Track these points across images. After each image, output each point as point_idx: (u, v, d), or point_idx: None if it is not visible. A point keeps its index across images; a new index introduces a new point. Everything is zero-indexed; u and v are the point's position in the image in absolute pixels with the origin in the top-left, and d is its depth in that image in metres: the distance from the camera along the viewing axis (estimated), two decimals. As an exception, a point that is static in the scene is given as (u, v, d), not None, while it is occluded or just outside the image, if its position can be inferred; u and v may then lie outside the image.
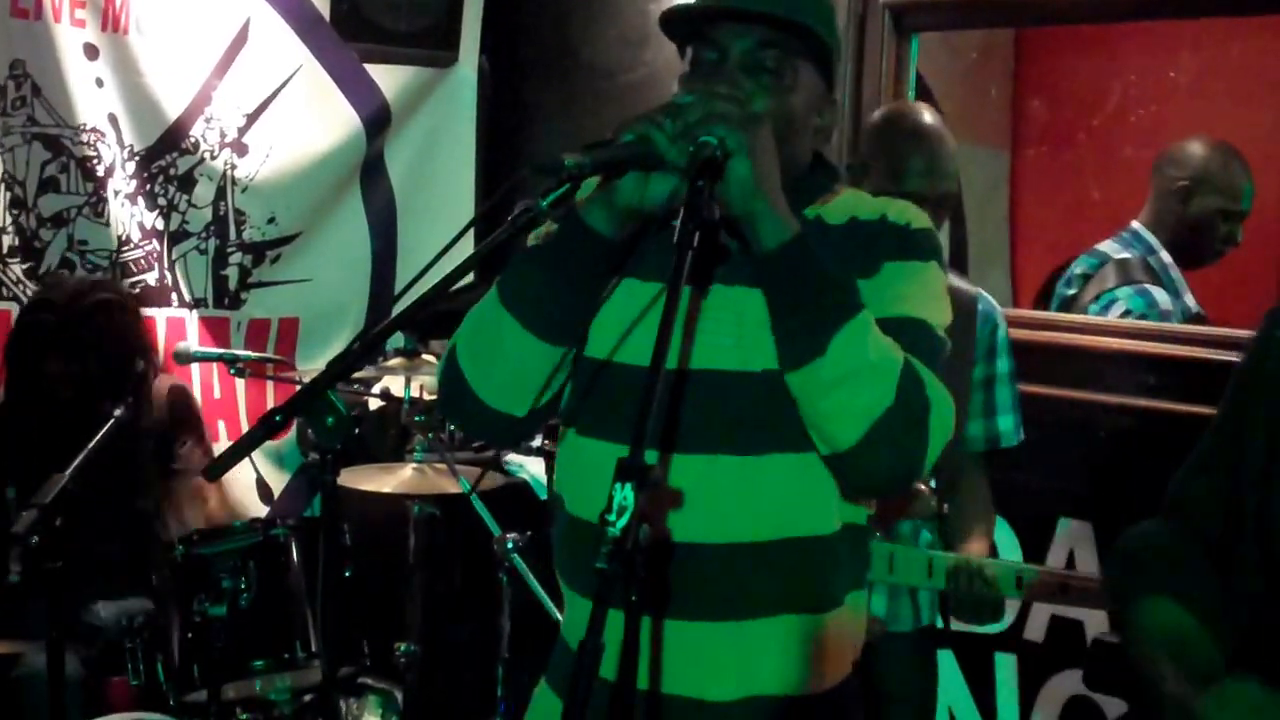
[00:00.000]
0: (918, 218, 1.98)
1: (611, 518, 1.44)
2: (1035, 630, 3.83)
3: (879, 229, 1.96)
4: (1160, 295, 3.82)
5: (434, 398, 4.01)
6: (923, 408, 1.79)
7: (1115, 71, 4.97)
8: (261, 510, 4.47)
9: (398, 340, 4.04)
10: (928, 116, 3.08)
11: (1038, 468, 3.46)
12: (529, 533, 3.73)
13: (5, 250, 4.16)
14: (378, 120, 4.86)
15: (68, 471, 3.06)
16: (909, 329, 1.86)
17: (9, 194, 4.14)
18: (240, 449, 1.79)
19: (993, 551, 3.16)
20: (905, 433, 1.79)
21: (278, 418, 1.76)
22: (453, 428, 4.23)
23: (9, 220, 4.15)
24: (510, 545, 3.66)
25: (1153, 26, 4.56)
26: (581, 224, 1.85)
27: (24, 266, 4.19)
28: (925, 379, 1.81)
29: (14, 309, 4.16)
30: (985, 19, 4.10)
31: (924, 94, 4.35)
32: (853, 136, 4.01)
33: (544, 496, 4.13)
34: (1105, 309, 3.84)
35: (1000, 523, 3.77)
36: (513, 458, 4.17)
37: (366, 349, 1.82)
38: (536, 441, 4.04)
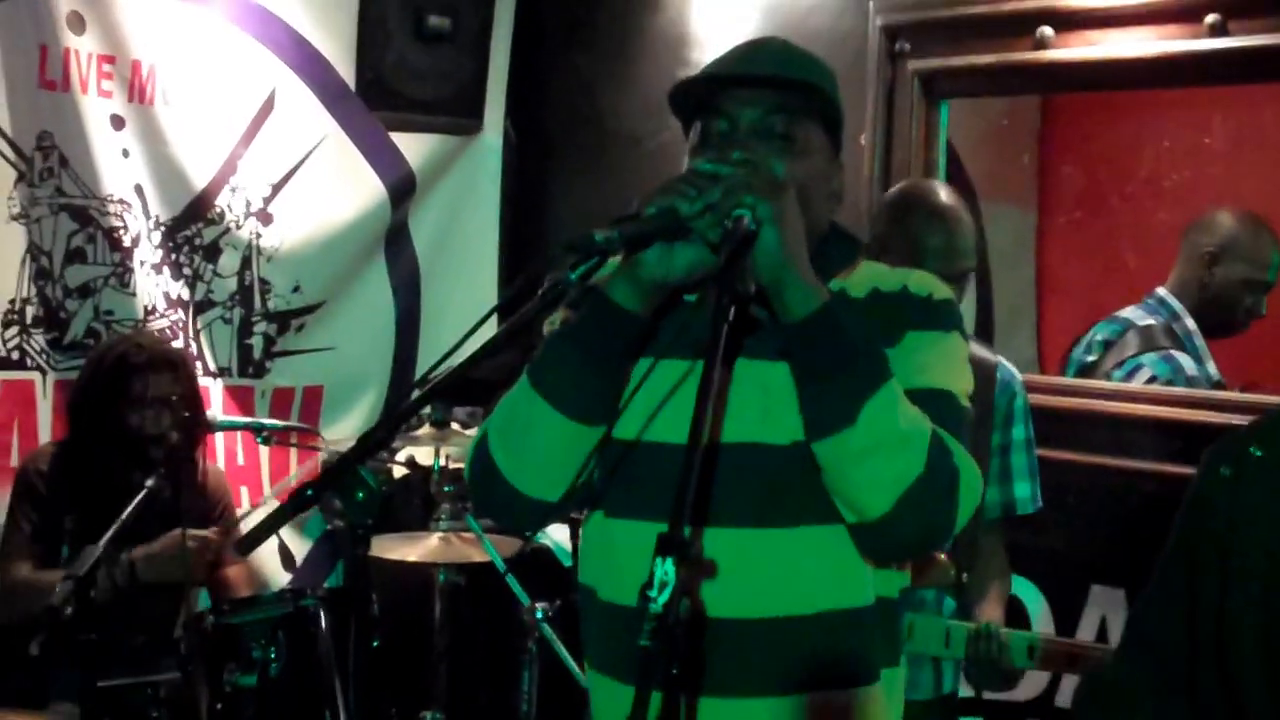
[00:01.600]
0: (939, 289, 2.00)
1: (653, 593, 1.42)
2: (1066, 697, 3.79)
3: (901, 300, 1.97)
4: (1185, 361, 3.81)
5: (459, 466, 4.01)
6: (951, 476, 1.81)
7: (1144, 136, 4.98)
8: (284, 577, 4.46)
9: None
10: (944, 196, 3.10)
11: (1070, 534, 3.43)
12: (558, 601, 3.72)
13: (30, 320, 4.17)
14: (403, 188, 4.88)
15: (101, 542, 3.07)
16: (934, 399, 1.88)
17: (35, 264, 4.17)
18: (271, 524, 1.79)
19: (1008, 616, 3.15)
20: (935, 501, 1.80)
21: (309, 493, 1.76)
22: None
23: (34, 290, 4.17)
24: (540, 614, 3.65)
25: (1184, 92, 4.57)
26: (608, 302, 1.85)
27: (49, 336, 4.21)
28: (952, 448, 1.82)
29: (38, 378, 4.19)
30: (1016, 86, 4.11)
31: (949, 154, 4.36)
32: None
33: (568, 563, 4.12)
34: (1130, 375, 3.84)
35: (1031, 588, 3.75)
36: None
37: (395, 424, 1.82)
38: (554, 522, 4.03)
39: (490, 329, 1.82)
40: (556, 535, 4.25)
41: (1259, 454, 1.57)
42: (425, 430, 3.93)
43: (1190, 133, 4.87)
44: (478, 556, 3.84)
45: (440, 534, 3.94)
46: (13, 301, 4.13)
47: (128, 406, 3.69)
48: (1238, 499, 1.56)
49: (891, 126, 3.97)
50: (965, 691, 3.11)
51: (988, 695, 3.10)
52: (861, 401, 1.76)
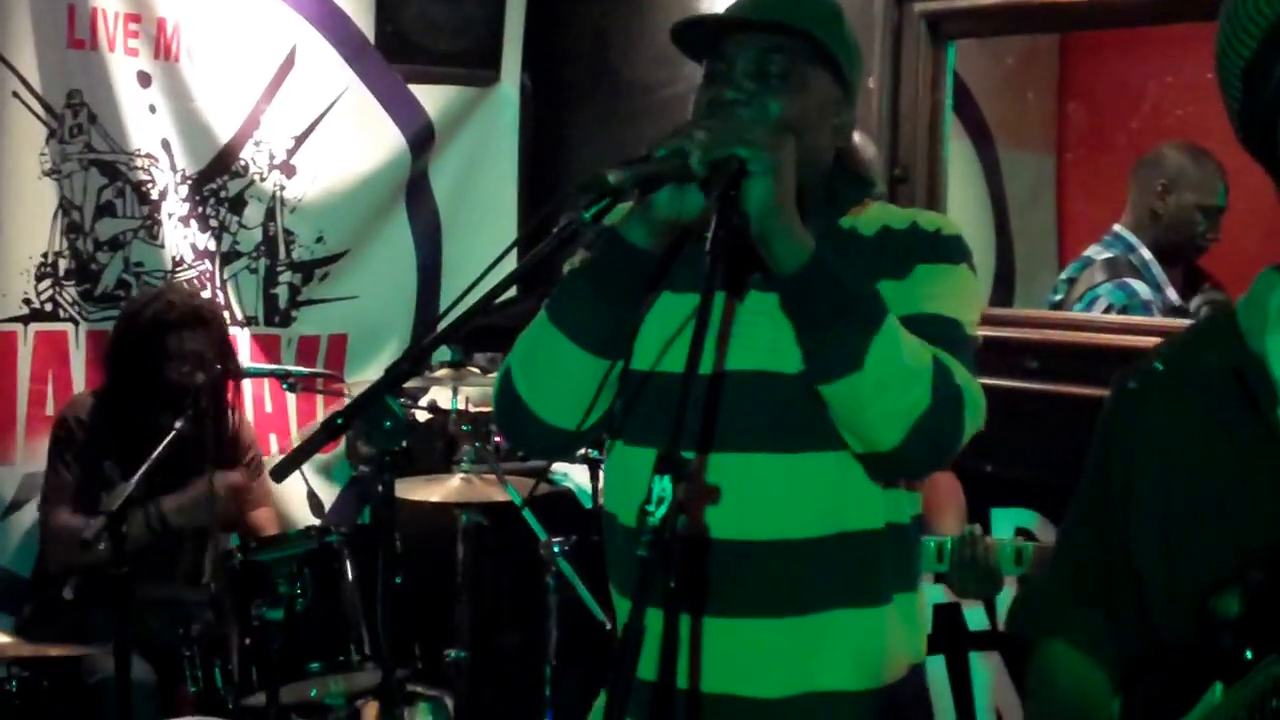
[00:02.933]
0: (948, 225, 2.05)
1: (651, 508, 1.52)
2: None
3: (910, 235, 2.02)
4: (1140, 287, 3.99)
5: (480, 409, 4.11)
6: (956, 399, 1.86)
7: (1158, 74, 4.99)
8: (312, 522, 4.56)
9: (444, 353, 4.12)
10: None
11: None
12: (574, 537, 3.81)
13: (62, 273, 4.28)
14: (422, 139, 4.94)
15: (132, 480, 3.18)
16: (939, 324, 1.93)
17: (66, 219, 4.26)
18: (303, 451, 1.89)
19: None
20: (943, 426, 1.86)
21: (339, 421, 1.86)
22: (498, 439, 4.31)
23: (66, 244, 4.27)
24: (556, 549, 3.74)
25: (1200, 28, 4.56)
26: (622, 240, 1.91)
27: (80, 288, 4.32)
28: (953, 369, 1.87)
29: (71, 329, 4.30)
30: (1020, 25, 4.14)
31: (966, 99, 4.41)
32: (890, 144, 4.05)
33: (588, 505, 4.20)
34: (1089, 305, 4.01)
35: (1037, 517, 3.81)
36: (557, 466, 4.25)
37: (421, 355, 1.92)
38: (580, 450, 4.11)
39: (511, 263, 1.89)
40: (577, 477, 4.33)
41: (1160, 367, 1.64)
42: (445, 373, 4.01)
43: (1206, 70, 4.88)
44: (499, 496, 3.92)
45: (462, 475, 4.02)
46: (45, 255, 4.23)
47: (162, 361, 3.82)
48: (1141, 410, 1.64)
49: (899, 69, 3.99)
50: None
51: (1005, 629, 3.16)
52: (866, 344, 1.81)
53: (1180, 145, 4.17)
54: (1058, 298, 4.14)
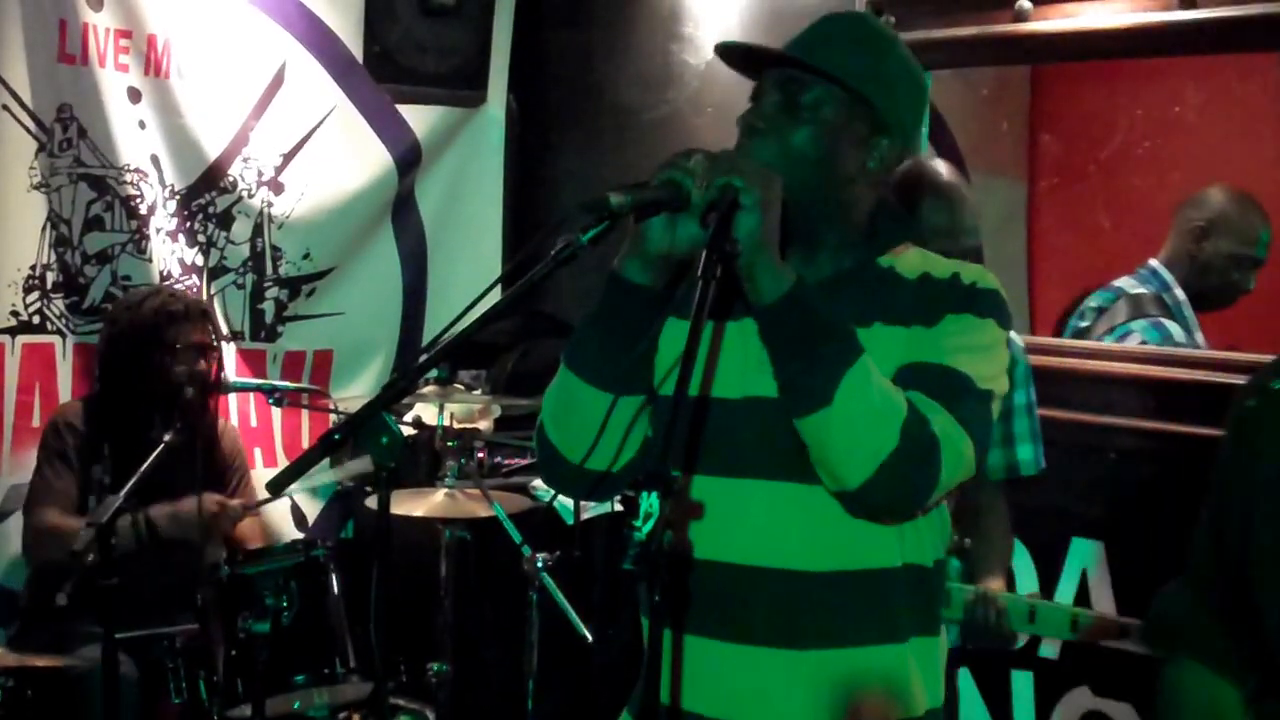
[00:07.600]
0: (985, 279, 2.05)
1: (637, 523, 1.57)
2: (1050, 648, 3.91)
3: (948, 285, 2.03)
4: (1174, 328, 3.88)
5: (464, 425, 4.15)
6: (929, 445, 1.88)
7: (1127, 106, 5.07)
8: (296, 536, 4.58)
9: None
10: (946, 174, 3.14)
11: (1051, 489, 3.54)
12: (558, 553, 3.85)
13: (50, 285, 4.30)
14: (409, 159, 4.99)
15: (122, 492, 3.20)
16: (944, 375, 1.95)
17: (55, 232, 4.29)
18: (301, 466, 1.93)
19: (1010, 579, 3.23)
20: (910, 471, 1.88)
21: (336, 436, 1.90)
22: (482, 455, 4.35)
23: (54, 257, 4.30)
24: (540, 564, 3.78)
25: (1171, 61, 4.64)
26: (621, 279, 1.96)
27: (68, 301, 4.34)
28: (929, 416, 1.88)
29: (58, 342, 4.33)
30: (996, 57, 4.21)
31: (940, 127, 4.46)
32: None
33: (570, 521, 4.24)
34: (1120, 340, 3.91)
35: (1016, 544, 3.87)
36: (540, 483, 4.29)
37: (416, 374, 1.97)
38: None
39: (495, 294, 1.94)
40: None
41: (1278, 386, 1.69)
42: (430, 389, 4.04)
43: (1180, 101, 4.96)
44: (483, 512, 3.95)
45: (446, 490, 4.05)
46: (34, 267, 4.26)
47: (164, 354, 3.81)
48: (1261, 427, 1.69)
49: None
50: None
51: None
52: (836, 381, 1.83)
53: (1227, 188, 4.03)
54: (1084, 324, 4.02)
